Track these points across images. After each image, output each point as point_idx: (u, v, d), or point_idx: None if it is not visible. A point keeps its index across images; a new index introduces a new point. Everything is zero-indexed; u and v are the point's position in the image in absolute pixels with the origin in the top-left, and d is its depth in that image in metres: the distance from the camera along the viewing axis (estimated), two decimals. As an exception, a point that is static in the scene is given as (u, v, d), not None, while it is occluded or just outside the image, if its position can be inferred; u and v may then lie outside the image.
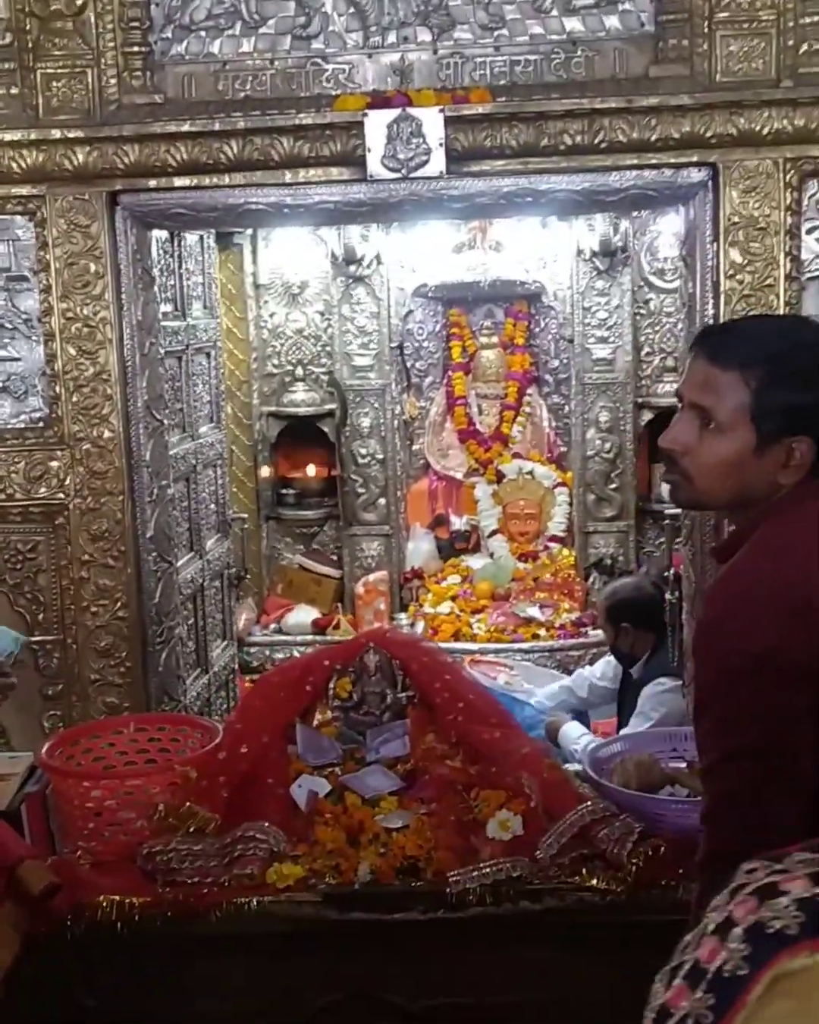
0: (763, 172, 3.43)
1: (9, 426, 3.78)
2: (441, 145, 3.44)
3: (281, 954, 2.48)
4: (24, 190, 3.62)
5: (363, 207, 3.65)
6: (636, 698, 4.18)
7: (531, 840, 2.48)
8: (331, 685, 2.84)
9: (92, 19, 3.52)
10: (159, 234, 4.12)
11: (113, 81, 3.56)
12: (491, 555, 6.66)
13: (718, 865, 1.69)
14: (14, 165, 3.56)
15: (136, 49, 3.55)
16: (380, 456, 6.44)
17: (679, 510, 4.18)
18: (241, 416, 6.49)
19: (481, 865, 2.43)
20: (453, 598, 6.35)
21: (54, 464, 3.75)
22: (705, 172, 3.47)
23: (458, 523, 6.85)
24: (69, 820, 2.67)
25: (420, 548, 6.67)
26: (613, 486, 6.37)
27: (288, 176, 3.57)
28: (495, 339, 6.74)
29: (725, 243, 3.47)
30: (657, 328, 6.28)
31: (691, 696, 1.94)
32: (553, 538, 6.64)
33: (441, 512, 6.88)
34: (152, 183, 3.60)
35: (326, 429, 6.48)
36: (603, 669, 4.64)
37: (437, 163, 3.46)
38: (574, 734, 4.15)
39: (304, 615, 6.35)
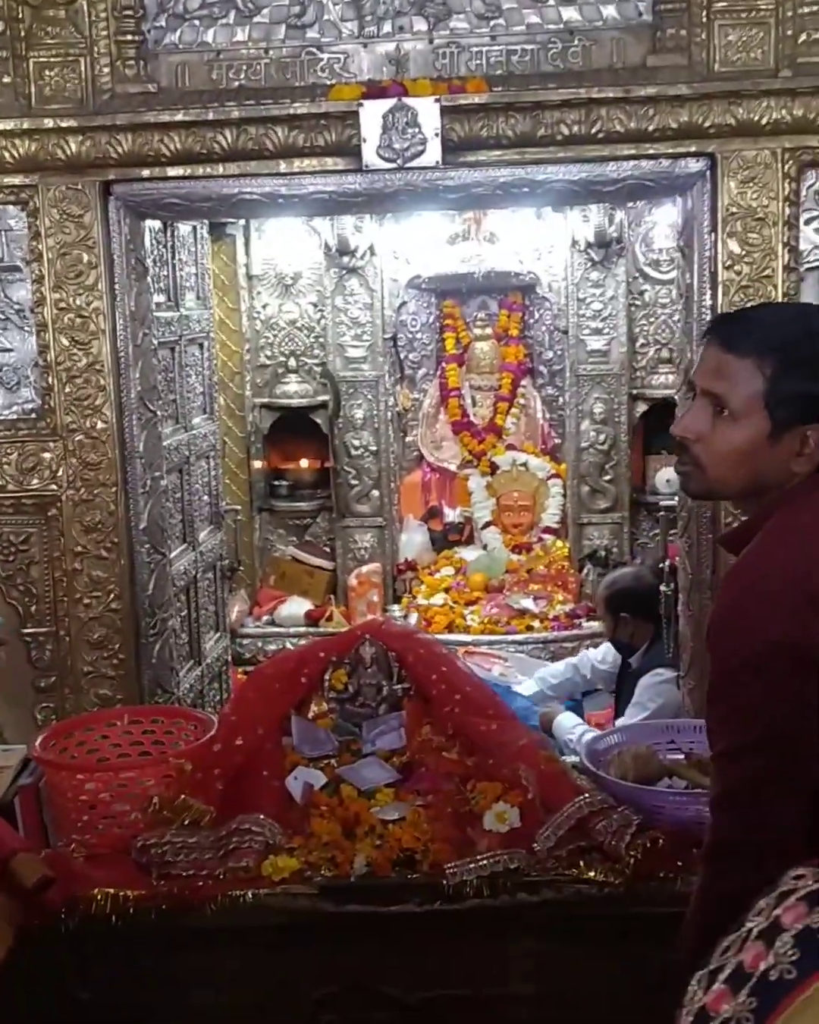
0: (761, 162, 3.42)
1: (1, 417, 3.76)
2: (437, 135, 3.42)
3: (277, 947, 2.48)
4: (16, 179, 3.59)
5: (358, 197, 3.63)
6: (633, 688, 4.18)
7: (528, 832, 2.47)
8: (327, 677, 2.83)
9: (85, 7, 3.49)
10: (152, 224, 4.10)
11: (106, 70, 3.53)
12: (485, 547, 6.65)
13: (724, 854, 1.69)
14: (6, 154, 3.53)
15: (129, 38, 3.53)
16: (373, 448, 6.42)
17: (674, 501, 4.18)
18: (234, 407, 6.47)
19: (478, 857, 2.42)
20: (446, 590, 6.35)
21: (47, 455, 3.73)
22: (703, 162, 3.46)
23: (452, 515, 6.85)
24: (63, 813, 2.66)
25: (413, 540, 6.67)
26: (607, 478, 6.36)
27: (283, 166, 3.55)
28: (489, 330, 6.72)
29: (723, 234, 3.46)
30: (652, 320, 6.27)
31: (704, 684, 1.93)
32: (547, 530, 6.65)
33: (434, 504, 6.88)
34: (145, 173, 3.58)
35: (319, 421, 6.46)
36: (604, 653, 4.66)
37: (433, 153, 3.44)
38: (568, 724, 4.16)
39: (297, 607, 6.34)
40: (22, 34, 3.51)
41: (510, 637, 5.92)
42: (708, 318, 3.52)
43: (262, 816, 2.54)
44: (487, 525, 6.68)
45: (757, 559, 1.73)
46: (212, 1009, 2.50)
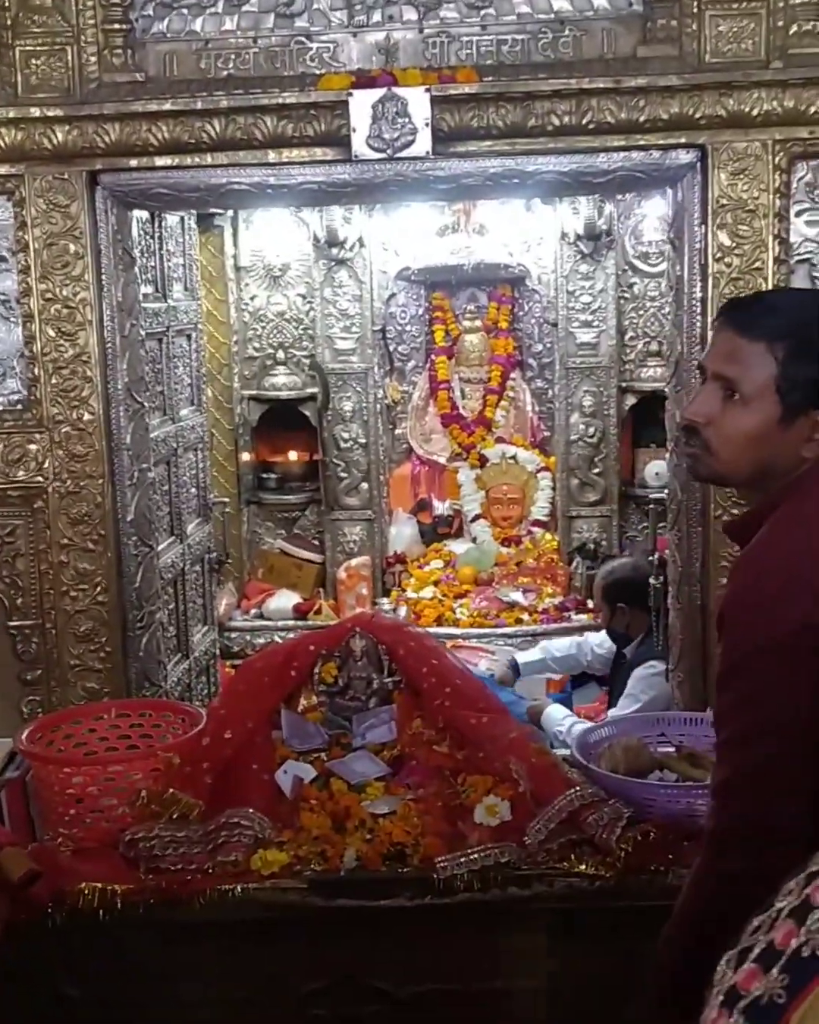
0: (752, 154, 3.41)
1: (-12, 409, 3.74)
2: (427, 125, 3.41)
3: (266, 941, 2.47)
4: (2, 169, 3.58)
5: (347, 188, 3.61)
6: (627, 679, 4.19)
7: (519, 825, 2.46)
8: (316, 670, 2.82)
9: (72, -5, 3.47)
10: (139, 215, 4.08)
11: (93, 59, 3.51)
12: (474, 540, 6.64)
13: (729, 840, 1.68)
14: (-8, 143, 3.50)
15: (117, 26, 3.50)
16: (362, 440, 6.41)
17: (664, 494, 4.18)
18: (222, 399, 6.44)
19: (469, 851, 2.41)
20: (436, 583, 6.34)
21: (33, 447, 3.71)
22: (693, 154, 3.45)
23: (441, 508, 6.84)
24: (50, 807, 2.64)
25: (402, 533, 6.66)
26: (596, 471, 6.36)
27: (271, 156, 3.53)
28: (478, 323, 6.71)
29: (713, 225, 3.45)
30: (641, 312, 6.27)
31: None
32: (536, 523, 6.64)
33: (423, 497, 6.87)
34: (133, 163, 3.56)
35: (308, 413, 6.44)
36: (604, 638, 4.67)
37: (423, 143, 3.43)
38: (558, 716, 4.16)
39: (285, 600, 6.32)
40: (8, 22, 3.48)
41: (499, 630, 5.92)
42: (698, 310, 3.52)
43: (251, 810, 2.53)
44: (476, 518, 6.67)
45: (775, 542, 1.72)
46: (201, 1003, 2.49)
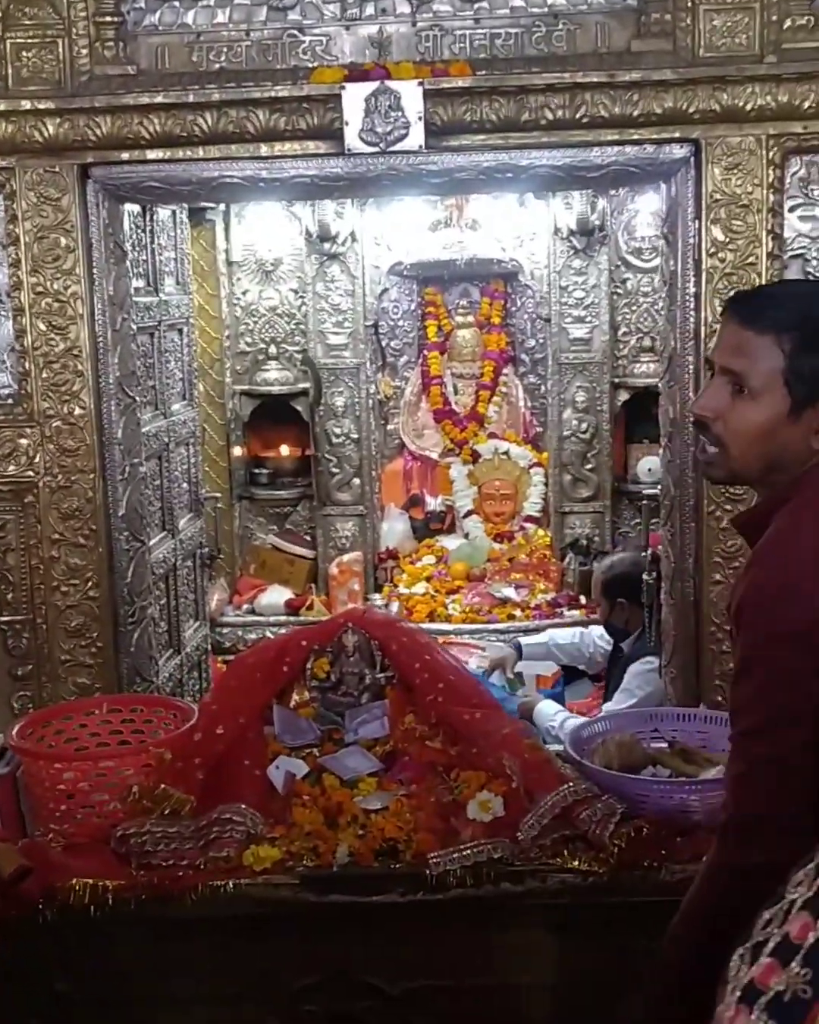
0: (746, 149, 3.40)
1: (-22, 403, 3.72)
2: (420, 119, 3.39)
3: (258, 937, 2.46)
4: (-7, 162, 3.55)
5: (340, 182, 3.59)
6: (623, 674, 4.18)
7: (512, 821, 2.46)
8: (309, 665, 2.81)
9: (63, -13, 3.44)
10: (131, 208, 4.06)
11: (85, 51, 3.48)
12: (466, 535, 6.63)
13: (745, 831, 1.67)
14: (-17, 136, 3.48)
15: (108, 19, 3.48)
16: (354, 435, 6.40)
17: (656, 490, 4.17)
18: (214, 394, 6.42)
19: (461, 847, 2.41)
20: (428, 579, 6.34)
21: (24, 441, 3.69)
22: (687, 148, 3.44)
23: (433, 503, 6.83)
24: (40, 802, 2.63)
25: (395, 528, 6.65)
26: (589, 466, 6.36)
27: (264, 149, 3.51)
28: (471, 318, 6.69)
29: (707, 220, 3.43)
30: (634, 308, 6.27)
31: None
32: (529, 518, 6.63)
33: (416, 492, 6.86)
34: (124, 156, 3.54)
35: (300, 408, 6.43)
36: (603, 631, 4.65)
37: (416, 137, 3.41)
38: (550, 712, 4.15)
39: (277, 596, 6.31)
40: (-1, 14, 3.46)
41: (492, 626, 5.91)
42: (692, 306, 3.51)
43: (243, 805, 2.52)
44: (469, 514, 6.66)
45: (794, 534, 1.72)
46: (193, 999, 2.48)
